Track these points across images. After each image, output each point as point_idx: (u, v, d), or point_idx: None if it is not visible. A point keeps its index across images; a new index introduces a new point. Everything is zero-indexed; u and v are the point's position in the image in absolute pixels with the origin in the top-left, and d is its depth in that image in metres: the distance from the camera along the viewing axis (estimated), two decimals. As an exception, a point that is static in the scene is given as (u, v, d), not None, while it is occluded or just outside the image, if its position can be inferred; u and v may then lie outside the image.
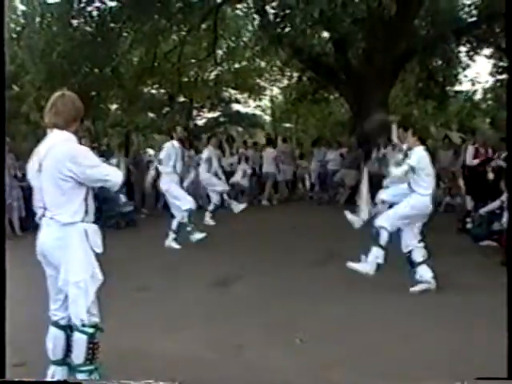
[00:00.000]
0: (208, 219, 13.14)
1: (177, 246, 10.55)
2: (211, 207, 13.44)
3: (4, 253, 4.67)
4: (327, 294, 7.30)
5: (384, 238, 7.34)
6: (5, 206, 9.05)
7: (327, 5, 11.39)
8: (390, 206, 8.09)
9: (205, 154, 13.46)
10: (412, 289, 7.24)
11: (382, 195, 8.67)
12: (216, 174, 13.48)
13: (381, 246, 7.34)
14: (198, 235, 10.53)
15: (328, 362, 5.02)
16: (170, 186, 10.69)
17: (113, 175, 4.31)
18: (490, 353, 4.68)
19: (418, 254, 7.32)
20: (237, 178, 16.54)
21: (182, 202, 10.59)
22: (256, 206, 17.33)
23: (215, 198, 13.45)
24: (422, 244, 7.38)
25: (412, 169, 7.27)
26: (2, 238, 4.83)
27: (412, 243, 7.36)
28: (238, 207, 13.23)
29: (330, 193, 18.85)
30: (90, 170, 4.14)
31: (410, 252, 7.35)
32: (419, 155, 7.34)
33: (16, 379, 4.33)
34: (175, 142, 10.89)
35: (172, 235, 10.64)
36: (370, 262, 7.34)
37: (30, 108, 18.23)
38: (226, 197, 13.57)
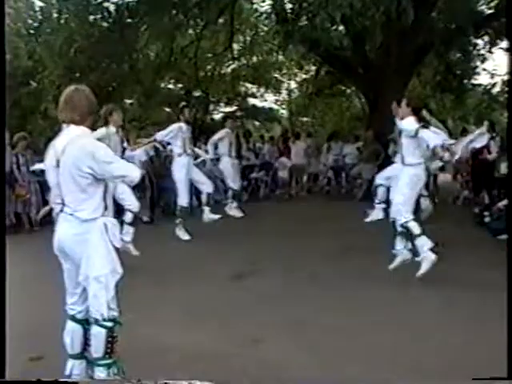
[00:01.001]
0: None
1: (216, 216, 10.84)
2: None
3: (4, 253, 4.70)
4: (343, 288, 7.29)
5: (414, 228, 7.38)
6: (5, 206, 9.13)
7: (349, 8, 11.37)
8: (388, 189, 8.17)
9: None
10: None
11: (378, 180, 8.82)
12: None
13: (417, 235, 7.38)
14: (212, 216, 10.77)
15: (344, 357, 5.03)
16: (182, 173, 10.68)
17: (130, 171, 4.33)
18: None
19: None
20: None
21: (202, 186, 10.72)
22: (273, 199, 17.39)
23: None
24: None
25: (399, 133, 7.45)
26: (2, 238, 4.86)
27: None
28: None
29: (346, 187, 18.85)
30: (109, 165, 4.16)
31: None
32: (408, 122, 7.33)
33: (17, 379, 4.37)
34: (183, 124, 10.72)
35: (206, 208, 10.89)
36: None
37: (48, 104, 18.32)
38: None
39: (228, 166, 13.14)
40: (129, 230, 8.71)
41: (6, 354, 4.29)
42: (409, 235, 7.43)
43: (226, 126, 13.52)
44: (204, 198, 11.10)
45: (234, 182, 13.18)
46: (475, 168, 13.24)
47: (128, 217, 8.58)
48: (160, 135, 10.58)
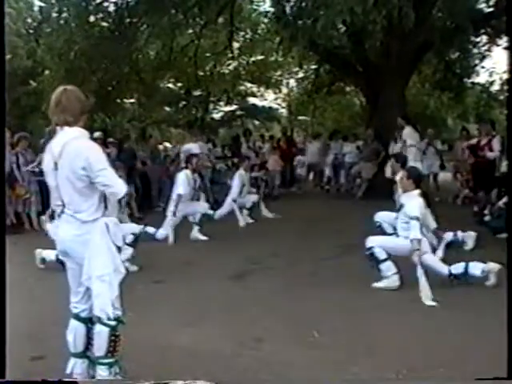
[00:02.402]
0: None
1: (203, 238, 10.67)
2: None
3: (4, 253, 4.70)
4: (345, 287, 7.30)
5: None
6: (5, 206, 9.12)
7: (349, 15, 11.38)
8: None
9: None
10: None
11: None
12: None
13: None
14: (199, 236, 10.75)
15: (346, 355, 5.03)
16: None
17: (117, 185, 4.24)
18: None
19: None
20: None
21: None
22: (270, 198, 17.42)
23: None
24: None
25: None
26: (2, 238, 4.86)
27: None
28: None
29: (346, 186, 18.87)
30: (99, 172, 4.12)
31: None
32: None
33: (18, 379, 4.38)
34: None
35: (196, 227, 10.77)
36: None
37: (48, 104, 18.31)
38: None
39: None
40: (127, 251, 8.02)
41: (5, 354, 4.29)
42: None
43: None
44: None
45: None
46: (475, 167, 13.23)
47: (129, 237, 8.31)
48: None
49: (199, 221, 10.90)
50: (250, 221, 12.68)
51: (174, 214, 10.39)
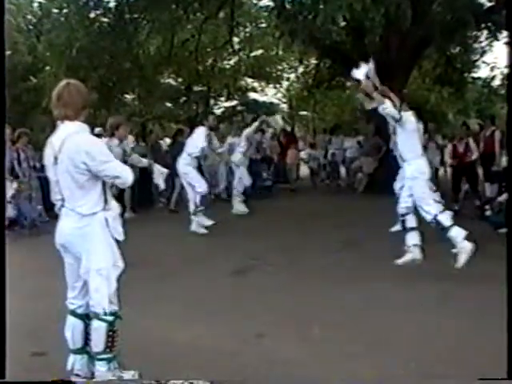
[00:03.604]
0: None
1: (203, 231, 10.70)
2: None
3: (4, 253, 4.70)
4: (345, 282, 7.31)
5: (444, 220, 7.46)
6: (5, 206, 9.11)
7: (349, 11, 11.39)
8: None
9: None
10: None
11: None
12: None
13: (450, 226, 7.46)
14: (206, 221, 10.77)
15: (347, 351, 5.04)
16: (188, 168, 11.00)
17: (124, 173, 4.29)
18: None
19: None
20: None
21: (198, 185, 10.78)
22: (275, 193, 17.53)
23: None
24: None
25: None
26: (2, 238, 4.86)
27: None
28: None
29: (347, 180, 18.88)
30: (103, 165, 4.13)
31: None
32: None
33: (18, 379, 4.38)
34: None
35: (195, 219, 10.82)
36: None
37: (50, 100, 18.29)
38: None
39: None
40: None
41: (5, 354, 4.30)
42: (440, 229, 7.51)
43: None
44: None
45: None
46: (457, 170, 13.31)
47: None
48: None
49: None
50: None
51: None
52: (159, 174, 7.95)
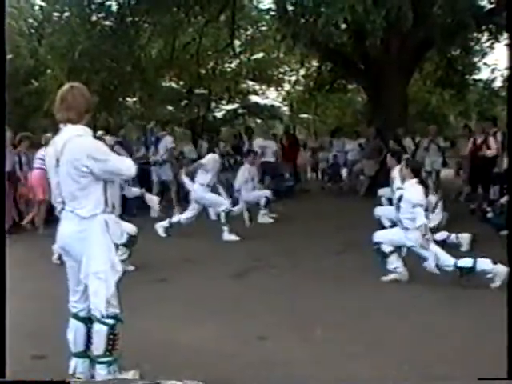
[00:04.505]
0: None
1: (235, 238, 10.56)
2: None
3: (4, 253, 4.72)
4: (347, 283, 7.33)
5: None
6: (5, 206, 9.12)
7: (350, 14, 11.39)
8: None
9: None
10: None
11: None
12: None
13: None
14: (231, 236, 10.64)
15: (348, 352, 5.04)
16: (202, 195, 10.80)
17: (126, 168, 4.35)
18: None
19: None
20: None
21: (219, 205, 10.72)
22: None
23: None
24: None
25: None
26: (2, 238, 4.87)
27: None
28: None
29: (349, 183, 18.89)
30: (105, 163, 4.16)
31: None
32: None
33: (18, 379, 4.38)
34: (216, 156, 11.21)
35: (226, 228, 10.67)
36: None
37: (51, 103, 18.30)
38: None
39: None
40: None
41: (5, 354, 4.30)
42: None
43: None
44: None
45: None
46: (474, 164, 13.28)
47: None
48: None
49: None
50: (271, 220, 12.73)
51: None
52: (151, 201, 8.06)
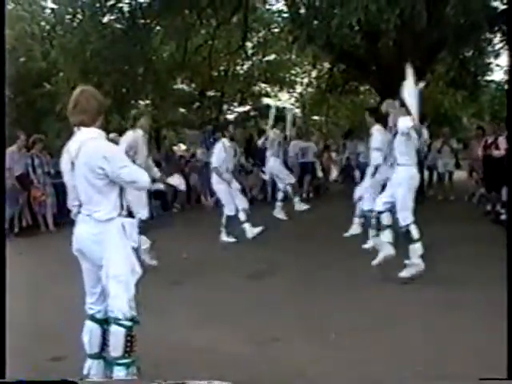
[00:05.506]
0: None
1: (231, 240, 10.60)
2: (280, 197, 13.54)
3: (4, 253, 4.72)
4: (362, 287, 7.30)
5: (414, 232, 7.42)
6: (5, 206, 9.16)
7: (364, 14, 11.36)
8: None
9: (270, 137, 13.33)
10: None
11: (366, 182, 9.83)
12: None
13: (416, 240, 7.41)
14: (254, 230, 10.67)
15: (360, 356, 5.03)
16: (217, 187, 10.86)
17: (141, 178, 4.35)
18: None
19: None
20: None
21: (226, 206, 10.70)
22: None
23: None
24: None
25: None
26: (2, 238, 4.88)
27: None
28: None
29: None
30: (120, 170, 4.18)
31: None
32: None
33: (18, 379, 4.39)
34: (226, 141, 10.94)
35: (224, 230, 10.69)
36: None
37: (64, 106, 18.33)
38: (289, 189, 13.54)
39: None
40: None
41: (5, 354, 4.30)
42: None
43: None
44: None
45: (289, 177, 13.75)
46: (486, 165, 13.22)
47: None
48: None
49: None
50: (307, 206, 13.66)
51: None
52: (173, 180, 8.00)
